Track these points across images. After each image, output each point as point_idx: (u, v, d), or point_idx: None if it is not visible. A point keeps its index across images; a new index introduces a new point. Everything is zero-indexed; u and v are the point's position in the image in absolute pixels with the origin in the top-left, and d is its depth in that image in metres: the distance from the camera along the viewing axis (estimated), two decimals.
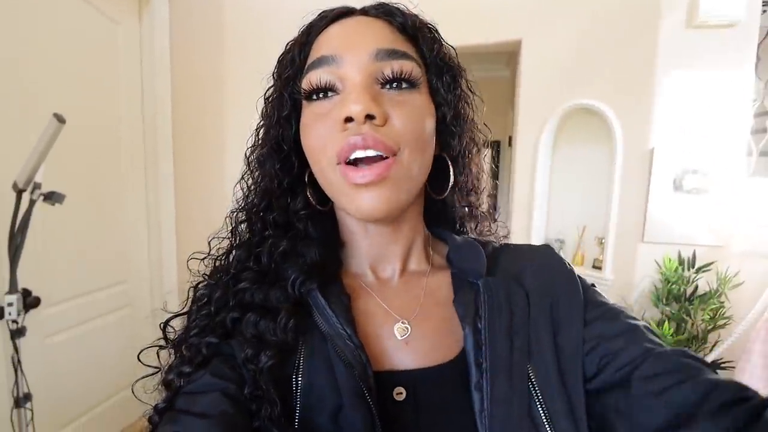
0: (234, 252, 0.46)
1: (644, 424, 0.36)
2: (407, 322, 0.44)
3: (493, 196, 0.55)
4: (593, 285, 0.47)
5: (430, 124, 0.42)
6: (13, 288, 1.21)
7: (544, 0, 1.97)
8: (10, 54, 1.35)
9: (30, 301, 1.27)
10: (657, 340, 0.40)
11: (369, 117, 0.37)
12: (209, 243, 0.48)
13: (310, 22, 0.44)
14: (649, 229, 1.81)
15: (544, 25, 2.00)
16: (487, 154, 0.52)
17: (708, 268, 1.71)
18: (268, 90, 0.47)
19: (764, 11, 1.74)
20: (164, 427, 0.35)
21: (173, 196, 2.00)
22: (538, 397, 0.38)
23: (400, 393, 0.40)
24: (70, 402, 1.62)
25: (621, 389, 0.38)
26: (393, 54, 0.40)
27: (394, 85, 0.40)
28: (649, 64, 1.75)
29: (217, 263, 0.47)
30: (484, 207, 0.52)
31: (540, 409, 0.38)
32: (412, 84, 0.41)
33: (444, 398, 0.40)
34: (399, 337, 0.43)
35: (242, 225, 0.48)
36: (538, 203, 2.14)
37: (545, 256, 0.47)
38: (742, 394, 0.34)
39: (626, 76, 1.83)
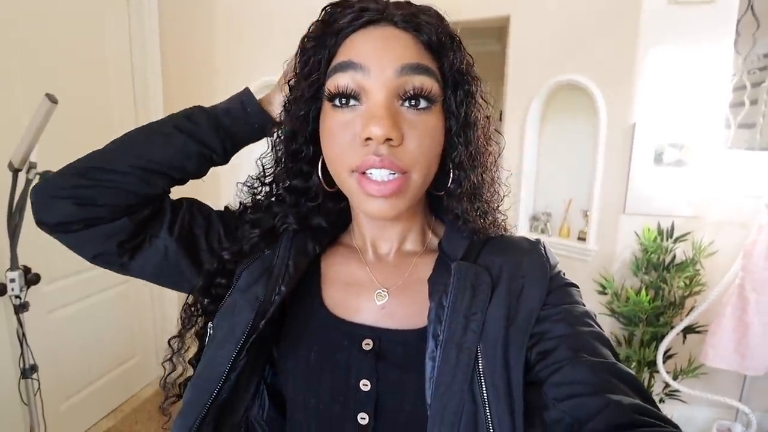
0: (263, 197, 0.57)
1: (549, 424, 0.40)
2: (387, 291, 0.50)
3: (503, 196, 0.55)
4: (573, 285, 0.49)
5: (440, 142, 0.46)
6: (14, 265, 1.25)
7: None
8: None
9: (30, 278, 1.31)
10: (602, 350, 0.41)
11: (388, 139, 0.41)
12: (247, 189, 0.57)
13: (336, 23, 0.44)
14: (631, 202, 1.87)
15: (531, 2, 2.02)
16: (499, 163, 0.53)
17: (685, 238, 1.79)
18: (289, 83, 0.50)
19: None
20: None
21: None
22: (480, 375, 0.42)
23: (368, 343, 0.47)
24: (75, 374, 1.69)
25: (539, 387, 0.42)
26: (417, 69, 0.42)
27: (413, 102, 0.43)
28: (632, 40, 1.78)
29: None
30: (484, 207, 0.52)
31: (481, 387, 0.42)
32: (430, 101, 0.43)
33: (404, 358, 0.46)
34: (377, 302, 0.50)
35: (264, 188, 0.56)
36: (526, 177, 2.19)
37: (525, 252, 0.50)
38: (636, 420, 0.35)
39: (610, 53, 1.86)
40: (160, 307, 2.12)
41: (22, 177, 1.21)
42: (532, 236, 0.55)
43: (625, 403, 0.36)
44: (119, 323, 1.91)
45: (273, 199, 0.55)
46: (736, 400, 1.70)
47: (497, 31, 2.22)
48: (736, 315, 1.65)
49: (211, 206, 0.59)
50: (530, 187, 2.23)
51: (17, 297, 1.27)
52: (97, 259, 0.53)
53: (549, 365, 0.41)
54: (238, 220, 0.56)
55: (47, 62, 1.51)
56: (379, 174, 0.42)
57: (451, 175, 0.48)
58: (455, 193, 0.49)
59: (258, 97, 0.55)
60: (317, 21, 0.46)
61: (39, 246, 1.47)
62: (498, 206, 0.54)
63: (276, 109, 0.54)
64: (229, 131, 0.53)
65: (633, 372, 0.40)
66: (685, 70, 1.76)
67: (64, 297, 1.63)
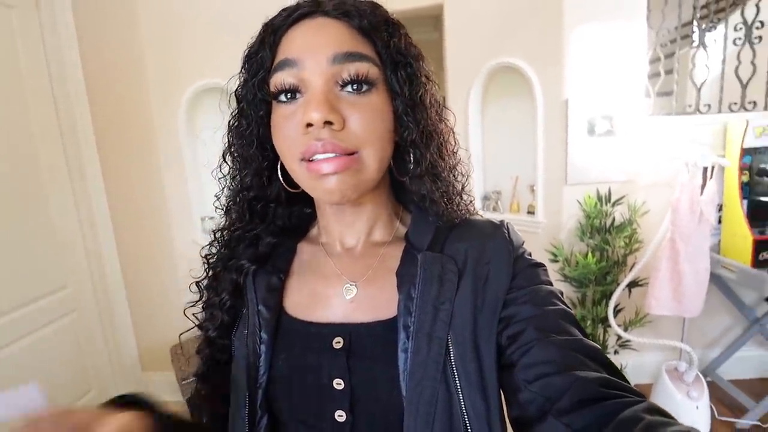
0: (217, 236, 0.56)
1: (523, 405, 0.41)
2: (355, 284, 0.51)
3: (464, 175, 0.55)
4: (538, 265, 0.50)
5: (387, 121, 0.45)
6: None
7: None
8: None
9: None
10: (568, 328, 0.43)
11: (328, 123, 0.41)
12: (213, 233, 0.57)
13: (274, 23, 0.46)
14: (571, 173, 1.99)
15: None
16: (454, 139, 0.53)
17: (621, 201, 1.94)
18: (238, 88, 0.49)
19: None
20: None
21: (103, 189, 1.89)
22: (452, 363, 0.43)
23: (338, 342, 0.47)
24: None
25: (511, 370, 0.43)
26: (350, 56, 0.42)
27: (353, 87, 0.43)
28: (557, 21, 1.89)
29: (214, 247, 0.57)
30: (447, 188, 0.51)
31: (454, 375, 0.43)
32: (369, 84, 0.43)
33: (374, 350, 0.47)
34: (346, 297, 0.50)
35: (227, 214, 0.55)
36: (474, 159, 2.27)
37: (488, 236, 0.50)
38: (601, 393, 0.36)
39: (539, 34, 1.96)
40: (113, 334, 1.99)
41: None
42: (486, 215, 0.57)
43: (590, 378, 0.37)
44: (70, 356, 1.78)
45: (232, 229, 0.54)
46: (678, 341, 1.89)
47: (433, 19, 2.26)
48: (670, 265, 1.82)
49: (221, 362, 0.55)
50: (478, 168, 2.32)
51: None
52: None
53: (518, 348, 0.43)
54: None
55: None
56: (325, 163, 0.43)
57: (411, 156, 0.48)
58: (416, 174, 0.49)
59: None
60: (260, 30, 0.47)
61: None
62: (463, 188, 0.54)
63: None
64: None
65: (598, 346, 0.42)
66: (606, 46, 1.90)
67: (7, 335, 1.49)
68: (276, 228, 0.54)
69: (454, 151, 0.53)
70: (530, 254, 0.51)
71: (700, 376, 1.86)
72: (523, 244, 0.51)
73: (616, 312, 1.94)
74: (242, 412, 0.47)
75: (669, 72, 2.02)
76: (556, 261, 2.00)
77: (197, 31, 2.10)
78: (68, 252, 1.79)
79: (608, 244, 1.92)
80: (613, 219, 1.95)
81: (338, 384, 0.46)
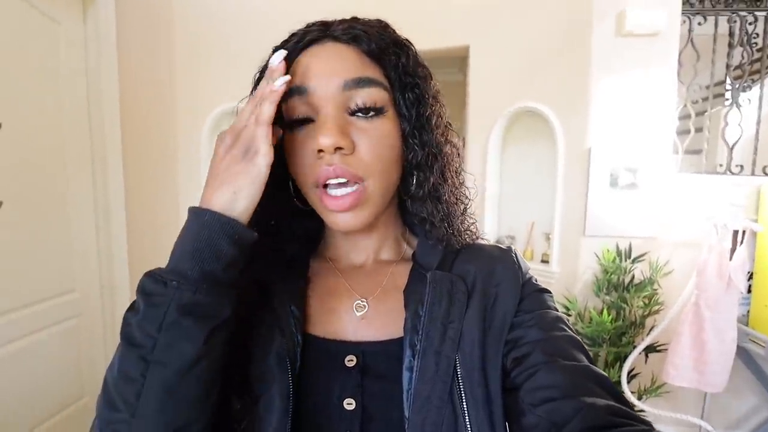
0: None
1: (527, 429, 0.40)
2: (365, 301, 0.50)
3: (466, 197, 0.54)
4: (545, 291, 0.50)
5: (396, 145, 0.46)
6: None
7: (490, 9, 2.08)
8: None
9: None
10: (575, 354, 0.42)
11: (338, 148, 0.42)
12: None
13: (285, 48, 0.45)
14: (590, 224, 1.93)
15: (489, 33, 2.11)
16: (460, 162, 0.53)
17: (642, 258, 1.85)
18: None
19: (684, 21, 1.90)
20: None
21: (123, 200, 1.94)
22: (459, 384, 0.42)
23: (351, 360, 0.46)
24: (15, 419, 1.55)
25: (516, 392, 0.42)
26: (360, 82, 0.43)
27: (362, 113, 0.44)
28: (584, 69, 1.87)
29: None
30: (448, 212, 0.51)
31: (461, 395, 0.42)
32: (378, 109, 0.44)
33: (387, 369, 0.45)
34: (357, 314, 0.49)
35: None
36: (489, 202, 2.23)
37: (497, 259, 0.50)
38: (609, 420, 0.35)
39: (564, 81, 1.95)
40: (114, 343, 1.99)
41: None
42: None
43: (599, 405, 0.36)
44: (68, 360, 1.78)
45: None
46: (698, 417, 1.73)
47: (459, 60, 2.29)
48: (692, 333, 1.70)
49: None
50: (494, 211, 2.27)
51: None
52: None
53: (524, 371, 0.42)
54: None
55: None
56: (338, 189, 0.44)
57: (415, 178, 0.48)
58: (418, 195, 0.49)
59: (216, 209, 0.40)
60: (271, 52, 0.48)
61: None
62: (465, 210, 0.53)
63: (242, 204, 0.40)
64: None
65: (605, 373, 0.41)
66: (634, 97, 1.87)
67: (3, 335, 1.51)
68: (295, 239, 0.54)
69: (458, 171, 0.53)
70: (536, 280, 0.51)
71: None
72: (529, 270, 0.52)
73: (630, 377, 1.80)
74: (283, 402, 0.42)
75: (699, 130, 1.95)
76: (569, 315, 1.90)
77: (225, 60, 2.20)
78: (81, 257, 1.83)
79: (626, 302, 1.82)
80: (633, 276, 1.86)
81: (349, 404, 0.44)
